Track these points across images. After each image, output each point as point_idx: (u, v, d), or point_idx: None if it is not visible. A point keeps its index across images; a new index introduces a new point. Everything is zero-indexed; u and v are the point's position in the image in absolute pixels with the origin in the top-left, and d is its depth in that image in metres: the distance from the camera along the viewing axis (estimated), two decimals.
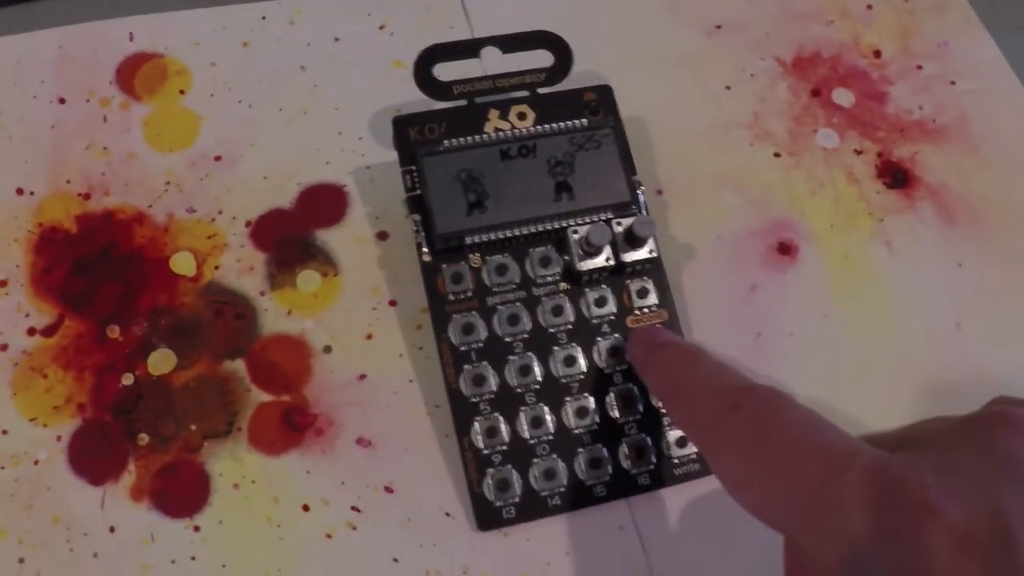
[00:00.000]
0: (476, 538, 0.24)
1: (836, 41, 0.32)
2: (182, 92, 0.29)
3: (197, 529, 0.24)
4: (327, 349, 0.26)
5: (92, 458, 0.25)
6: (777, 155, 0.30)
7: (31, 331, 0.26)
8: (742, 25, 0.32)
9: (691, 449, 0.25)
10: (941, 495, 0.15)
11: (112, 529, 0.24)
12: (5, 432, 0.25)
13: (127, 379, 0.26)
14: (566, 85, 0.27)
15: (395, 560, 0.24)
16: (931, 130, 0.31)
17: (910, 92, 0.31)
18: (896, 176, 0.30)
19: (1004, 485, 0.15)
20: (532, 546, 0.24)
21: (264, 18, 0.30)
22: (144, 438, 0.25)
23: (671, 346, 0.23)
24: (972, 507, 0.15)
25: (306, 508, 0.24)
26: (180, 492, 0.25)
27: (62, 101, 0.28)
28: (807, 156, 0.30)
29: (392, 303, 0.27)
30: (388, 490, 0.25)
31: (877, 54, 0.32)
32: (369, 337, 0.26)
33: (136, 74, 0.29)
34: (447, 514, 0.24)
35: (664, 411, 0.25)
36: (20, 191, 0.28)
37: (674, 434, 0.25)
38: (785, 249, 0.28)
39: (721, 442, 0.19)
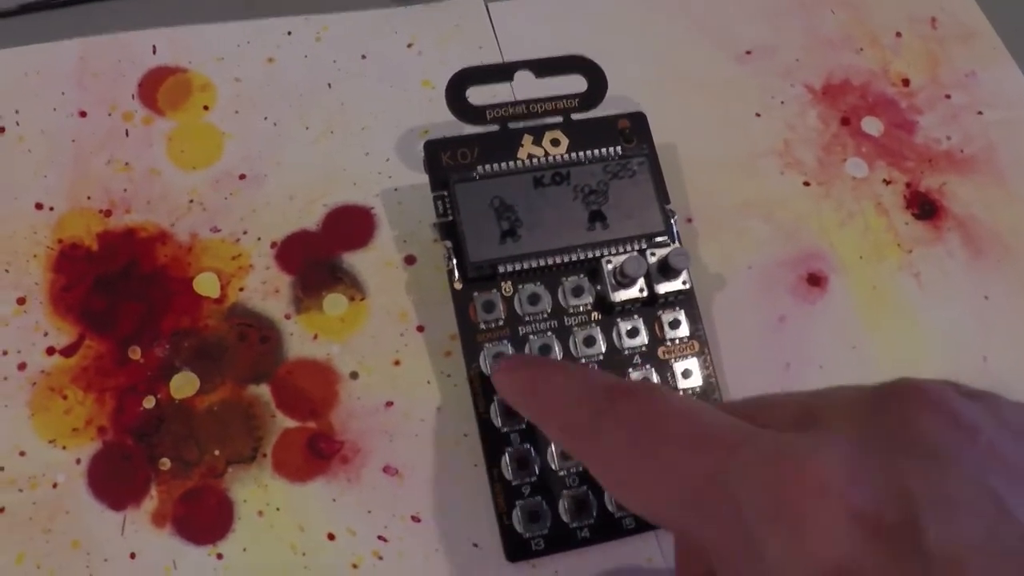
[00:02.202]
0: (504, 569, 0.24)
1: (865, 69, 0.32)
2: (206, 108, 0.28)
3: (220, 556, 0.24)
4: (354, 375, 0.26)
5: (113, 482, 0.24)
6: (807, 184, 0.30)
7: (50, 350, 0.26)
8: (772, 51, 0.32)
9: None
10: (843, 476, 0.14)
11: (133, 555, 0.24)
12: (23, 454, 0.25)
13: (149, 402, 0.25)
14: (599, 111, 0.26)
15: None
16: (959, 160, 0.31)
17: (938, 122, 0.31)
18: (924, 207, 0.30)
19: (914, 466, 0.14)
20: None
21: (290, 33, 0.29)
22: (166, 463, 0.25)
23: (533, 363, 0.22)
24: (878, 489, 0.14)
25: (331, 537, 0.24)
26: (203, 518, 0.24)
27: (83, 114, 0.28)
28: (836, 185, 0.30)
29: (420, 329, 0.26)
30: (415, 519, 0.24)
31: (906, 83, 0.32)
32: (397, 363, 0.26)
33: (159, 88, 0.28)
34: (475, 545, 0.24)
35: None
36: (39, 206, 0.27)
37: None
38: (815, 280, 0.28)
39: (597, 448, 0.18)
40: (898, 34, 0.33)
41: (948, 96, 0.32)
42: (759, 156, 0.30)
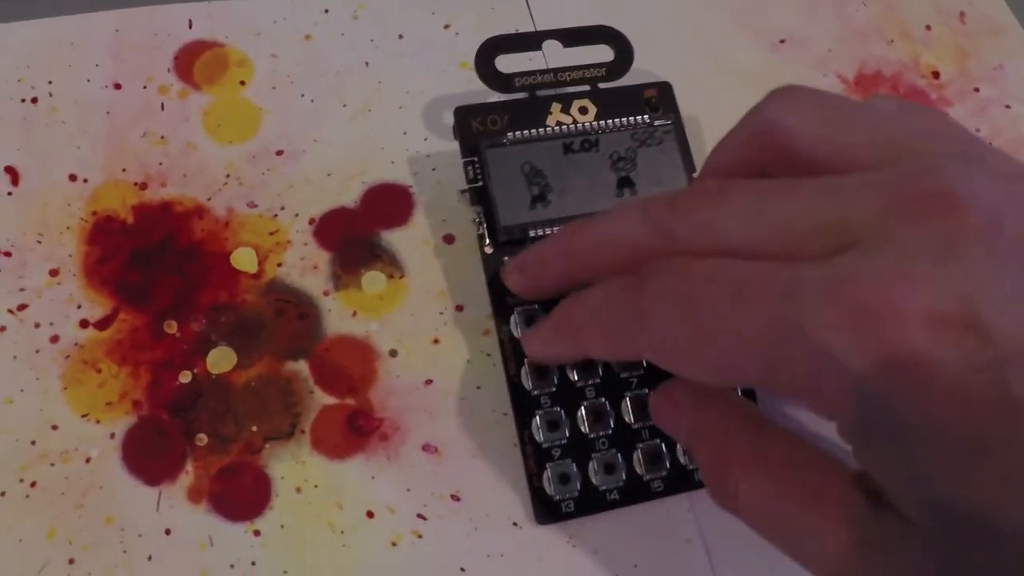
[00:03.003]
0: (544, 548, 0.24)
1: (897, 60, 0.32)
2: (243, 83, 0.28)
3: (257, 533, 0.23)
4: (393, 353, 0.25)
5: (148, 457, 0.24)
6: None
7: (84, 323, 0.25)
8: (805, 41, 0.32)
9: None
10: (903, 286, 0.14)
11: (168, 531, 0.23)
12: (55, 427, 0.24)
13: (185, 377, 0.25)
14: (625, 81, 0.26)
15: (462, 570, 0.23)
16: None
17: (967, 114, 0.31)
18: None
19: (962, 267, 0.15)
20: (600, 559, 0.24)
21: (327, 11, 0.29)
22: (203, 438, 0.24)
23: (554, 315, 0.22)
24: (939, 290, 0.14)
25: (370, 515, 0.24)
26: (240, 495, 0.24)
27: (118, 86, 0.28)
28: None
29: (459, 308, 0.26)
30: (455, 498, 0.24)
31: (936, 75, 0.32)
32: (436, 341, 0.26)
33: (195, 62, 0.28)
34: (514, 524, 0.24)
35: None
36: (73, 177, 0.27)
37: None
38: None
39: (647, 339, 0.18)
40: (928, 27, 0.33)
41: (977, 89, 0.32)
42: None
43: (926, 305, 0.14)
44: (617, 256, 0.20)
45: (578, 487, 0.24)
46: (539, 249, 0.22)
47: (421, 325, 0.26)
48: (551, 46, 0.27)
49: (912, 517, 0.16)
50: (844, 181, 0.17)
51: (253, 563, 0.23)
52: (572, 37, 0.27)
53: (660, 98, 0.27)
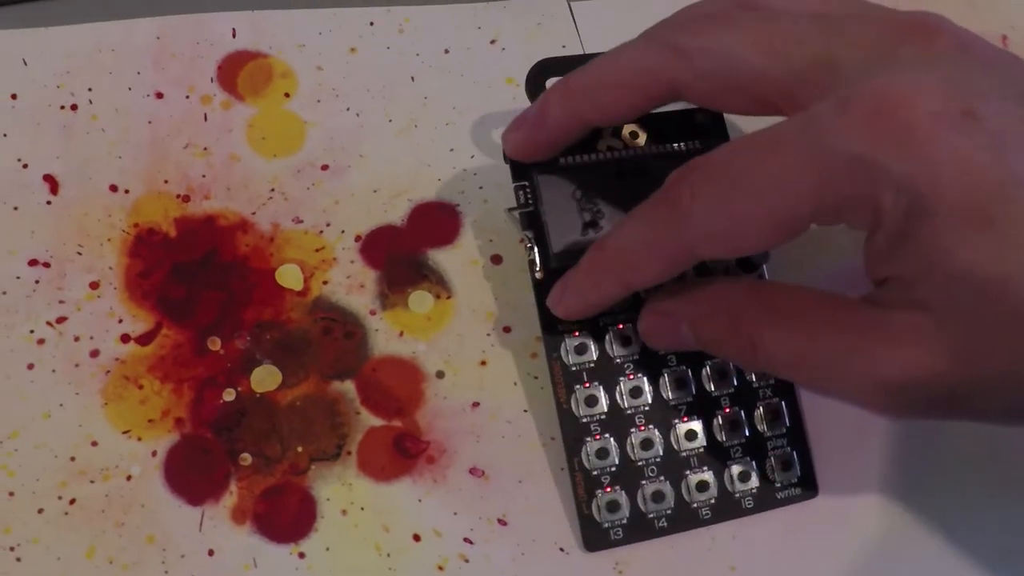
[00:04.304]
0: (590, 575, 0.24)
1: None
2: (287, 95, 0.28)
3: (302, 556, 0.23)
4: (440, 374, 0.25)
5: (191, 476, 0.24)
6: None
7: (125, 338, 0.25)
8: None
9: (792, 473, 0.25)
10: (908, 91, 0.17)
11: (211, 552, 0.23)
12: (95, 444, 0.24)
13: (229, 395, 0.25)
14: (676, 105, 0.26)
15: None
16: None
17: None
18: None
19: (951, 72, 0.18)
20: None
21: (372, 24, 0.29)
22: (247, 458, 0.24)
23: (583, 263, 0.23)
24: (939, 92, 0.17)
25: (417, 538, 0.24)
26: (285, 516, 0.24)
27: (159, 96, 0.27)
28: None
29: (507, 329, 0.26)
30: (502, 522, 0.24)
31: None
32: (483, 363, 0.25)
33: (239, 73, 0.28)
34: (561, 549, 0.24)
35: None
36: (114, 188, 0.26)
37: (777, 458, 0.25)
38: None
39: (692, 230, 0.20)
40: None
41: None
42: None
43: (930, 101, 0.17)
44: (631, 85, 0.22)
45: (627, 514, 0.24)
46: (542, 117, 0.23)
47: (468, 346, 0.25)
48: None
49: (932, 304, 0.18)
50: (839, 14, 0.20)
51: None
52: None
53: (710, 123, 0.26)
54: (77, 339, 0.25)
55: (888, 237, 0.18)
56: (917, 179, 0.17)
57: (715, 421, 0.25)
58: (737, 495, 0.24)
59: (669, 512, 0.24)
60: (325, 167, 0.27)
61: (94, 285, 0.25)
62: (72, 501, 0.23)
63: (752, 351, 0.20)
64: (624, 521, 0.24)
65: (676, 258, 0.21)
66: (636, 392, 0.24)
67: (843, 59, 0.19)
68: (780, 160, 0.18)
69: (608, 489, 0.24)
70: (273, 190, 0.27)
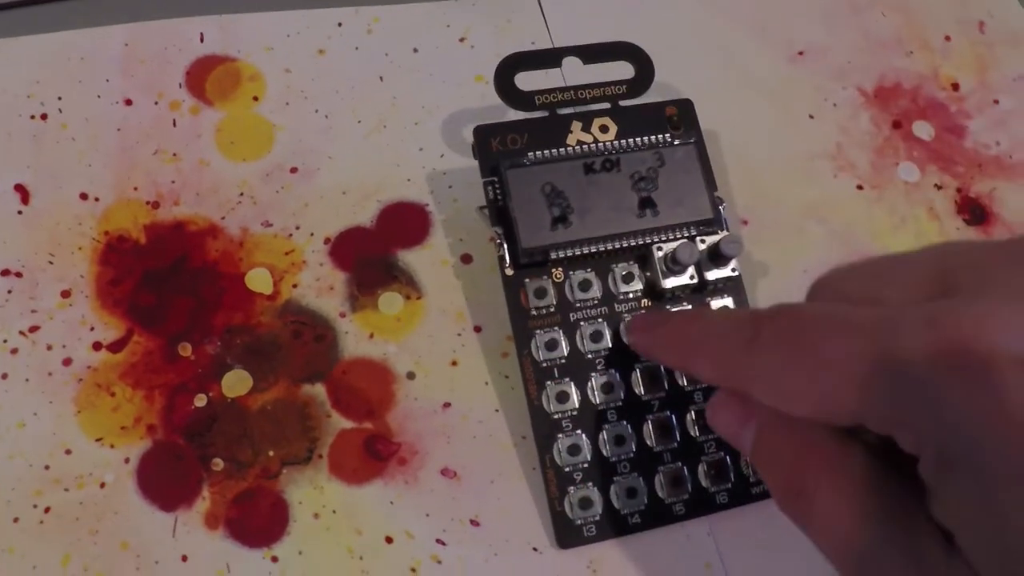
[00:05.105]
0: (564, 573, 0.23)
1: (916, 72, 0.32)
2: (256, 99, 0.27)
3: (275, 560, 0.23)
4: (410, 375, 0.25)
5: (163, 482, 0.24)
6: (860, 188, 0.29)
7: (97, 345, 0.25)
8: (824, 52, 0.31)
9: None
10: (1012, 332, 0.15)
11: (185, 558, 0.23)
12: (68, 452, 0.24)
13: (200, 400, 0.25)
14: (646, 98, 0.26)
15: None
16: (1007, 166, 0.31)
17: (987, 127, 0.31)
18: (975, 212, 0.30)
19: None
20: None
21: (340, 25, 0.29)
22: (219, 463, 0.24)
23: (672, 317, 0.23)
24: None
25: (389, 540, 0.24)
26: (257, 520, 0.24)
27: (128, 102, 0.27)
28: (889, 190, 0.29)
29: (477, 329, 0.26)
30: (474, 523, 0.24)
31: (955, 87, 0.32)
32: (454, 364, 0.25)
33: (207, 77, 0.28)
34: (535, 549, 0.24)
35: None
36: (84, 196, 0.26)
37: None
38: None
39: (757, 369, 0.19)
40: (947, 37, 0.33)
41: (996, 101, 0.32)
42: (813, 158, 0.30)
43: (1019, 346, 0.15)
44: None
45: (600, 511, 0.24)
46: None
47: (439, 347, 0.25)
48: (570, 62, 0.26)
49: (980, 567, 0.16)
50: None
51: None
52: (592, 54, 0.26)
53: (681, 116, 0.26)
54: (50, 348, 0.25)
55: (937, 477, 0.16)
56: (981, 432, 0.15)
57: (688, 416, 0.24)
58: (711, 490, 0.24)
59: (643, 508, 0.24)
60: (294, 170, 0.27)
61: (66, 294, 0.25)
62: (47, 509, 0.23)
63: (803, 512, 0.19)
64: (597, 518, 0.23)
65: (733, 382, 0.20)
66: (608, 388, 0.24)
67: (947, 276, 0.17)
68: (845, 350, 0.17)
69: (580, 486, 0.24)
70: (242, 194, 0.26)
